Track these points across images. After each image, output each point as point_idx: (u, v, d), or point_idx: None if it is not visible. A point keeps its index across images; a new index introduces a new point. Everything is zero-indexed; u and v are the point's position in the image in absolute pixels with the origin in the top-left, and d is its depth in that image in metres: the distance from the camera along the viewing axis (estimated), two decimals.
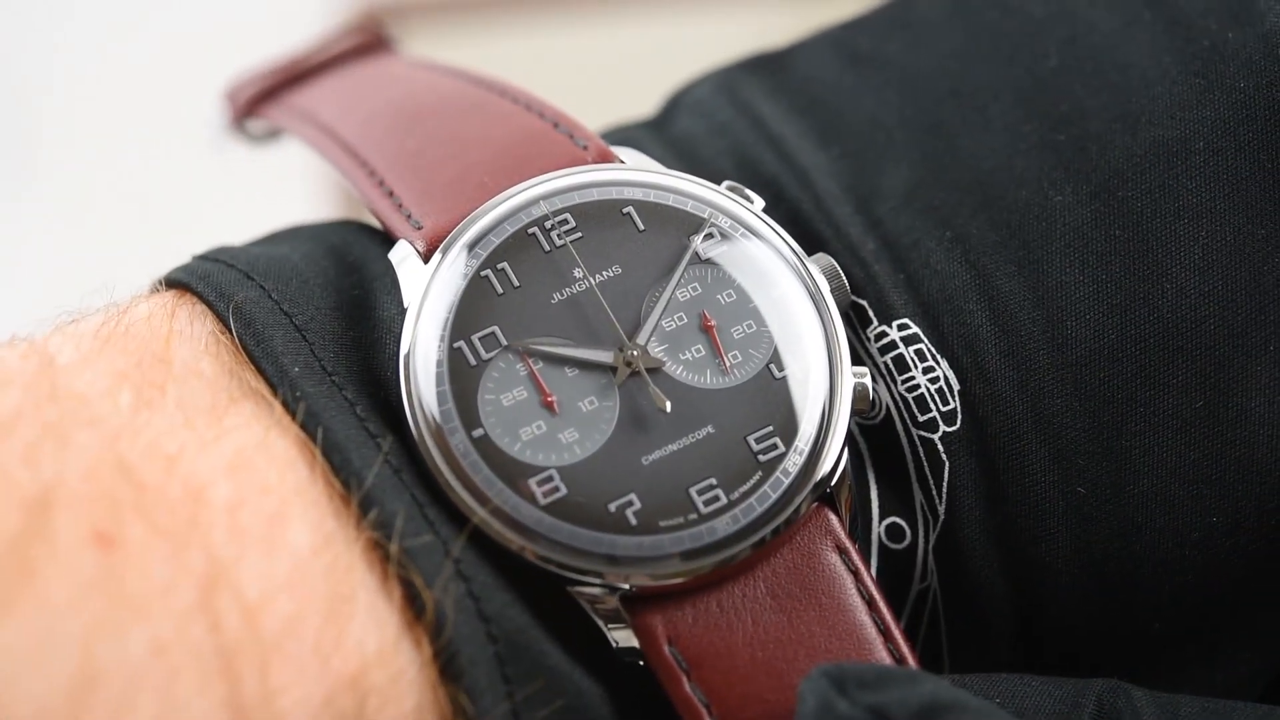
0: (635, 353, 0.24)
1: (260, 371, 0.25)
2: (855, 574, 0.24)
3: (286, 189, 1.00)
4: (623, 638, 0.22)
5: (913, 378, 0.28)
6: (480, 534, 0.24)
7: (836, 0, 0.80)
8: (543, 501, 0.23)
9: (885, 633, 0.23)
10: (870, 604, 0.23)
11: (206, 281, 0.27)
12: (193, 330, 0.26)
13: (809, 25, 0.85)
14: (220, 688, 0.20)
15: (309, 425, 0.24)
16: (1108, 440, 0.29)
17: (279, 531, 0.22)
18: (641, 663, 0.23)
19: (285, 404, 0.25)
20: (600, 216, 0.25)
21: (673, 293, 0.25)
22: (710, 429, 0.23)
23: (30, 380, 0.24)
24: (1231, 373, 0.28)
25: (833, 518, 0.24)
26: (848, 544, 0.23)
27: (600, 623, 0.22)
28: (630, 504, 0.23)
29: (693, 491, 0.23)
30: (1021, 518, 0.30)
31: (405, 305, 0.25)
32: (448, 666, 0.22)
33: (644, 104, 0.82)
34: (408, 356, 0.24)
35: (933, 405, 0.28)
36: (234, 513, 0.22)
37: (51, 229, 1.09)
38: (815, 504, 0.24)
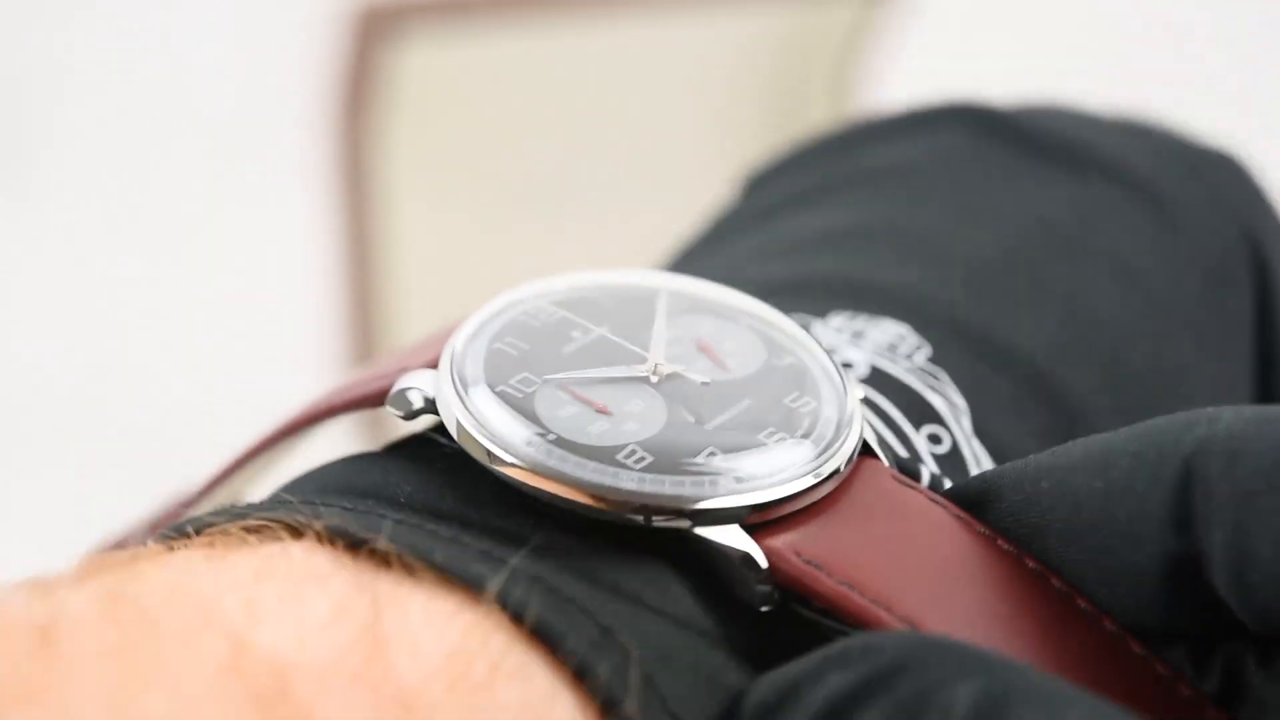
0: (659, 362, 0.26)
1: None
2: (915, 489, 0.26)
3: (286, 188, 1.01)
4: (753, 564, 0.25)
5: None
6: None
7: (836, 1, 0.80)
8: (637, 467, 0.25)
9: (962, 519, 0.26)
10: (937, 499, 0.26)
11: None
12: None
13: (809, 25, 0.85)
14: None
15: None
16: None
17: (300, 603, 0.23)
18: (766, 594, 0.25)
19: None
20: (581, 302, 0.28)
21: (664, 323, 0.27)
22: (748, 401, 0.26)
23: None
24: None
25: (881, 456, 0.27)
26: (898, 475, 0.26)
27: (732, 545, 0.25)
28: (714, 454, 0.25)
29: (761, 436, 0.26)
30: None
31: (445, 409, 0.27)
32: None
33: (643, 105, 0.82)
34: (466, 409, 0.26)
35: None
36: (247, 604, 0.24)
37: (50, 231, 1.09)
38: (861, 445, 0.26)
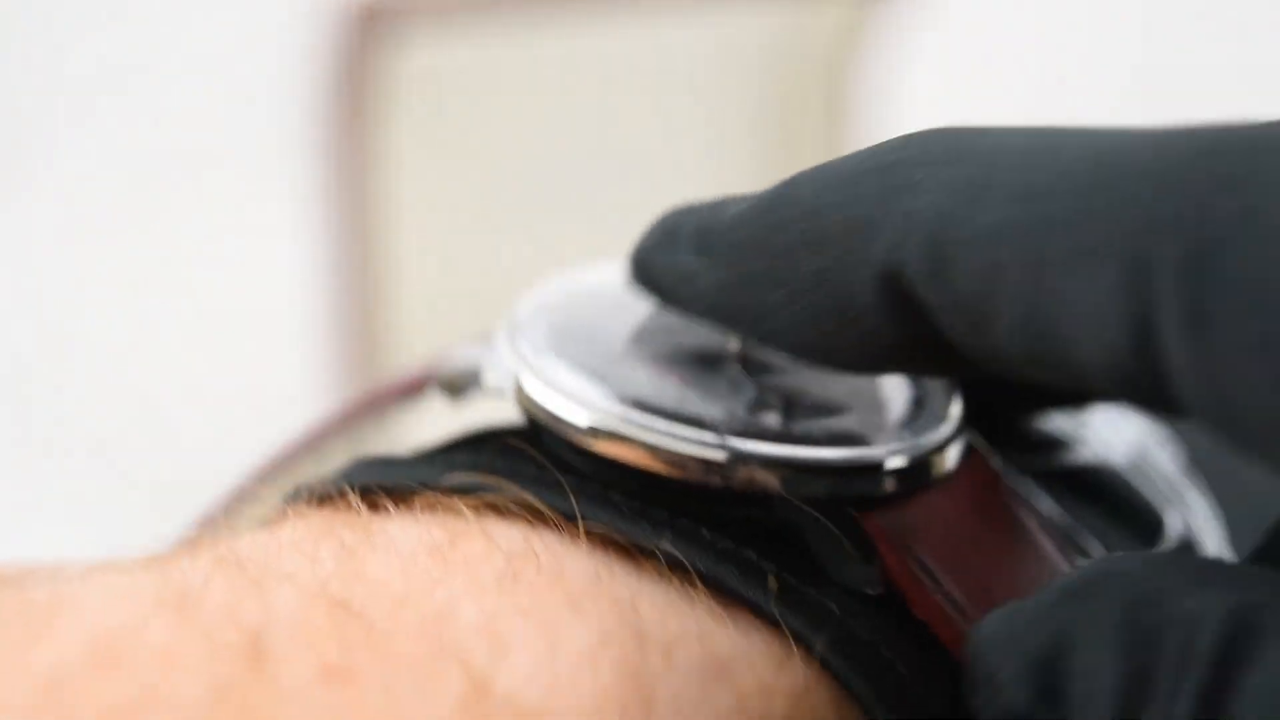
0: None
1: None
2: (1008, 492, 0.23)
3: (285, 189, 1.01)
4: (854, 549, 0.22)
5: None
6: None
7: (836, 1, 0.80)
8: (750, 431, 0.23)
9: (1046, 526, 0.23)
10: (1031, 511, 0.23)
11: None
12: None
13: (805, 26, 0.85)
14: None
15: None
16: None
17: (553, 632, 0.19)
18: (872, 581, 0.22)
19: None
20: None
21: None
22: (837, 385, 0.24)
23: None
24: None
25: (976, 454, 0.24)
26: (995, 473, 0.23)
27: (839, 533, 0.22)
28: (813, 423, 0.23)
29: (862, 415, 0.23)
30: None
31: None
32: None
33: (642, 105, 0.82)
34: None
35: None
36: (489, 626, 0.19)
37: (49, 232, 1.09)
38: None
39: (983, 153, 0.19)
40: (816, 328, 0.21)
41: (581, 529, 0.20)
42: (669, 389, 0.22)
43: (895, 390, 0.24)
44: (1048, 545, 0.23)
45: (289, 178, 0.99)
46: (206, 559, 0.20)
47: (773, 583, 0.21)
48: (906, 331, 0.20)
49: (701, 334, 0.24)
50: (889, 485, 0.22)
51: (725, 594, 0.20)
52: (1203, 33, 1.17)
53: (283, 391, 0.91)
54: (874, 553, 0.22)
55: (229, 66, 1.14)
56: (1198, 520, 0.26)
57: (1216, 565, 0.19)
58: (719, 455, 0.21)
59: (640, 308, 0.24)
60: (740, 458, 0.21)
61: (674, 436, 0.22)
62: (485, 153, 0.82)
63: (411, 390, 0.25)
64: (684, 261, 0.22)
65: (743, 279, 0.21)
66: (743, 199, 0.22)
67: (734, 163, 0.85)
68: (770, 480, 0.22)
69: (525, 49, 0.78)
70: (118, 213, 1.09)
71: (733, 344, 0.23)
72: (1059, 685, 0.19)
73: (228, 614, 0.19)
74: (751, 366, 0.23)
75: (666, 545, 0.20)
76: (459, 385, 0.24)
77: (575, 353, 0.23)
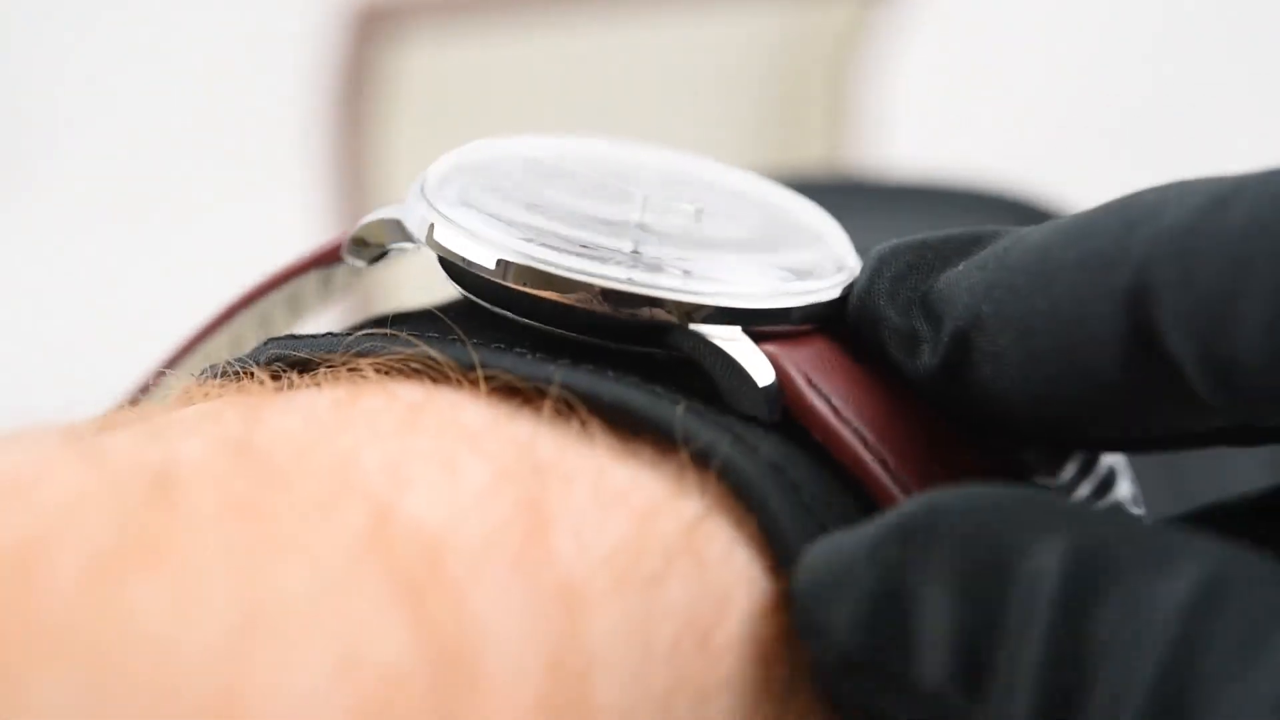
0: (648, 196, 0.25)
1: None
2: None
3: (285, 189, 1.01)
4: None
5: None
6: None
7: (838, 2, 0.80)
8: (658, 266, 0.23)
9: None
10: None
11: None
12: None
13: (807, 25, 0.85)
14: (402, 607, 0.18)
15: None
16: None
17: (452, 468, 0.19)
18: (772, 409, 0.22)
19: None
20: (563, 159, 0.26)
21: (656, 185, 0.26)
22: (747, 231, 0.25)
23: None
24: None
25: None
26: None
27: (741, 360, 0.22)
28: (714, 258, 0.25)
29: (764, 256, 0.24)
30: None
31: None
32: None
33: (642, 105, 0.82)
34: None
35: None
36: (390, 466, 0.19)
37: (47, 233, 1.09)
38: None
39: (1213, 180, 0.20)
40: (1041, 370, 0.21)
41: (480, 375, 0.21)
42: (575, 232, 0.23)
43: (799, 236, 0.24)
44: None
45: (289, 177, 0.99)
46: (112, 422, 0.20)
47: (681, 407, 0.21)
48: (1135, 371, 0.20)
49: (608, 193, 0.24)
50: (790, 319, 0.23)
51: (627, 429, 0.21)
52: (1203, 32, 1.17)
53: None
54: (776, 381, 0.22)
55: (229, 66, 1.14)
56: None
57: (1051, 503, 0.19)
58: (623, 284, 0.22)
59: (548, 167, 0.24)
60: (644, 287, 0.22)
61: (579, 271, 0.22)
62: None
63: (324, 260, 0.25)
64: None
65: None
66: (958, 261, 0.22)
67: (734, 164, 0.85)
68: (674, 314, 0.22)
69: (525, 49, 0.77)
70: (117, 213, 1.09)
71: (634, 210, 0.24)
72: (897, 629, 0.19)
73: (132, 458, 0.19)
74: (652, 226, 0.24)
75: (562, 379, 0.21)
76: (372, 245, 0.24)
77: (486, 202, 0.23)
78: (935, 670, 0.19)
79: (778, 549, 0.20)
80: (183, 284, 1.06)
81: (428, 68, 0.77)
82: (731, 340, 0.22)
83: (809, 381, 0.22)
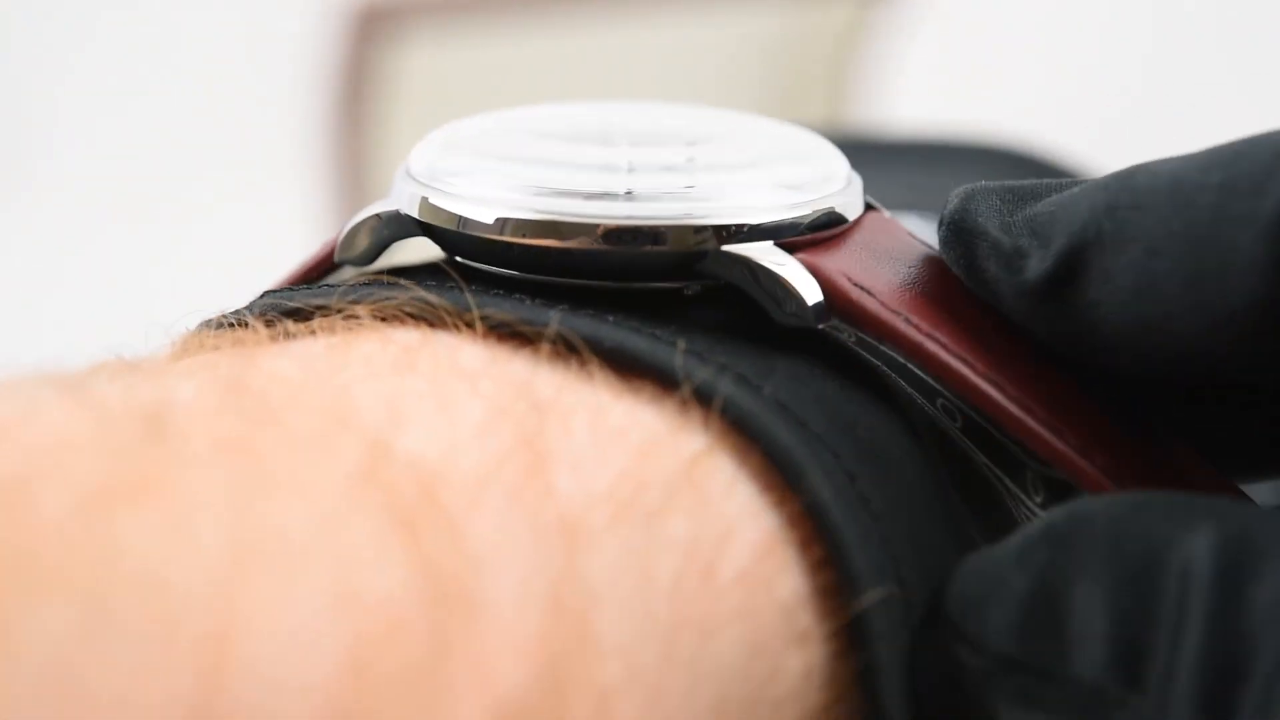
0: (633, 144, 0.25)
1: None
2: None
3: (285, 189, 1.01)
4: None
5: None
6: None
7: (836, 1, 0.80)
8: (659, 195, 0.23)
9: None
10: None
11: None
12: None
13: (807, 24, 0.85)
14: (398, 541, 0.18)
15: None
16: None
17: (449, 405, 0.19)
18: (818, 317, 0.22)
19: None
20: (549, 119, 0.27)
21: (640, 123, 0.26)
22: (750, 154, 0.26)
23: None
24: None
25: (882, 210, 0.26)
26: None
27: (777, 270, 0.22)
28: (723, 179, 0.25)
29: (770, 172, 0.24)
30: None
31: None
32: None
33: None
34: None
35: None
36: (386, 404, 0.19)
37: (46, 234, 1.09)
38: None
39: None
40: (1157, 294, 0.20)
41: (477, 316, 0.21)
42: (568, 178, 0.22)
43: (792, 153, 0.24)
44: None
45: (289, 177, 0.99)
46: (106, 370, 0.20)
47: (681, 347, 0.21)
48: (1261, 306, 0.19)
49: (593, 139, 0.24)
50: (814, 225, 0.22)
51: (628, 371, 0.21)
52: (1204, 31, 1.17)
53: None
54: (815, 286, 0.22)
55: (229, 66, 1.14)
56: None
57: (1191, 502, 0.19)
58: (622, 220, 0.22)
59: (528, 128, 0.24)
60: (645, 219, 0.22)
61: (579, 215, 0.22)
62: None
63: (315, 269, 0.25)
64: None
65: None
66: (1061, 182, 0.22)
67: None
68: (702, 236, 0.22)
69: (525, 49, 0.78)
70: (117, 212, 1.09)
71: (621, 152, 0.24)
72: (1052, 628, 0.19)
73: (124, 399, 0.19)
74: (642, 163, 0.23)
75: (561, 322, 0.20)
76: (364, 242, 0.24)
77: (473, 168, 0.23)
78: (1093, 664, 0.19)
79: (788, 476, 0.20)
80: (183, 284, 1.06)
81: (428, 68, 0.77)
82: (781, 265, 0.22)
83: (851, 280, 0.22)
